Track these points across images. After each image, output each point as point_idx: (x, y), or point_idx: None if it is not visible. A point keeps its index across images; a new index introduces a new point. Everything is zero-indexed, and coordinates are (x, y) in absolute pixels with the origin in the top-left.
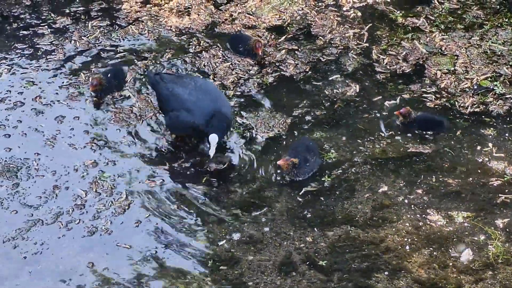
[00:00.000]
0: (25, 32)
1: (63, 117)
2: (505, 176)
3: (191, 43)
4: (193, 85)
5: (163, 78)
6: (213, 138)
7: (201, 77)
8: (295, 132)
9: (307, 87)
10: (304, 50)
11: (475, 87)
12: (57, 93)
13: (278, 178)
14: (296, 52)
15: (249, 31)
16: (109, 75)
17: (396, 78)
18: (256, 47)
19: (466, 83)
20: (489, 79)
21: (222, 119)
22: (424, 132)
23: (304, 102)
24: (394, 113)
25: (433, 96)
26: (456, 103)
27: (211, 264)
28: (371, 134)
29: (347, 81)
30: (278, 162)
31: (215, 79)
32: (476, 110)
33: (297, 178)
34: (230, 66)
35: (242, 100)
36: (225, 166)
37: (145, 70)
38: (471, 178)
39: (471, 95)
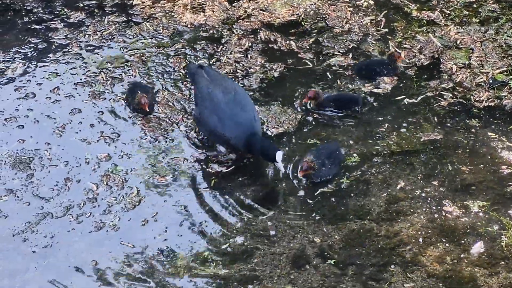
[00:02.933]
0: (37, 26)
1: (79, 110)
2: None
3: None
4: (233, 94)
5: (207, 72)
6: (279, 156)
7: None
8: (304, 129)
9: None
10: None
11: (491, 81)
12: (75, 88)
13: (294, 174)
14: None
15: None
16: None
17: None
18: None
19: (482, 77)
20: (505, 73)
21: (262, 139)
22: (341, 111)
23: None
24: (303, 101)
25: (450, 94)
26: (472, 97)
27: (224, 257)
28: (386, 128)
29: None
30: (300, 173)
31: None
32: (491, 104)
33: (311, 180)
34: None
35: (257, 93)
36: (228, 169)
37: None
38: (485, 169)
39: (486, 89)
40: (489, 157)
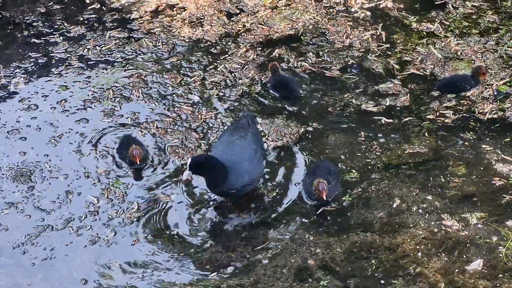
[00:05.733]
0: (37, 40)
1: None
2: (510, 179)
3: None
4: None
5: (252, 123)
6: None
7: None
8: (303, 143)
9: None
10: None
11: (495, 93)
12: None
13: (295, 186)
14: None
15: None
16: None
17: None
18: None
19: (489, 90)
20: (508, 83)
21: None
22: (278, 95)
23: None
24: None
25: (451, 112)
26: (476, 109)
27: (226, 270)
28: (386, 141)
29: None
30: (320, 193)
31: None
32: (494, 116)
33: (321, 201)
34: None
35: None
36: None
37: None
38: (481, 181)
39: (491, 102)
40: (484, 169)
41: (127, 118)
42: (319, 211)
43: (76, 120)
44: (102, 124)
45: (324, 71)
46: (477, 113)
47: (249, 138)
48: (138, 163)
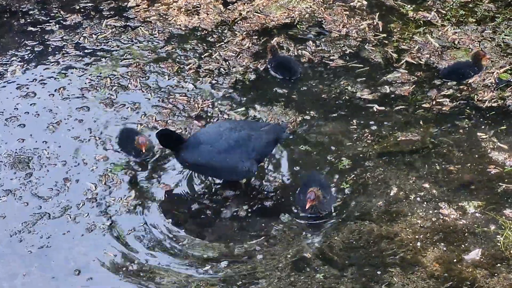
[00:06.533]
0: (33, 29)
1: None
2: (505, 167)
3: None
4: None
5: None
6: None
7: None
8: (299, 131)
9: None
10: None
11: (497, 81)
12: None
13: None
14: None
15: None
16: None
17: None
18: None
19: (490, 78)
20: (508, 71)
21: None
22: (280, 76)
23: (318, 101)
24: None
25: (448, 100)
26: (476, 96)
27: (223, 260)
28: (384, 128)
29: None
30: (308, 204)
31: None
32: (493, 104)
33: (317, 214)
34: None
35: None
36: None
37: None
38: (478, 169)
39: (492, 90)
40: (480, 157)
41: (127, 108)
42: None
43: (77, 108)
44: (102, 112)
45: (328, 61)
46: (476, 100)
47: (241, 135)
48: (144, 151)
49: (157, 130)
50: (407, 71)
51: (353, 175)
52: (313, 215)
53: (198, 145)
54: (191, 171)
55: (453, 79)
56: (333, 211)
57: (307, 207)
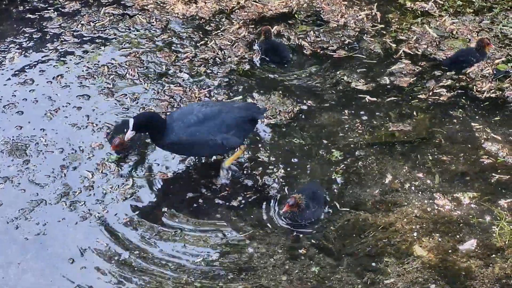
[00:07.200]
0: (32, 16)
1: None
2: (498, 158)
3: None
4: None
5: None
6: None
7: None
8: (296, 123)
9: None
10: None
11: (495, 72)
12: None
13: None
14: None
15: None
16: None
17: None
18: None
19: (488, 69)
20: (507, 62)
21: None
22: (269, 59)
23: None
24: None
25: (445, 90)
26: (474, 87)
27: (219, 249)
28: (381, 118)
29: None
30: (285, 208)
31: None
32: (492, 95)
33: (297, 222)
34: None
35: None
36: None
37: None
38: (472, 160)
39: (490, 80)
40: (473, 147)
41: (126, 97)
42: (294, 234)
43: (78, 95)
44: (101, 101)
45: (331, 53)
46: (475, 91)
47: (211, 110)
48: (114, 151)
49: (137, 114)
50: (410, 62)
51: (343, 166)
52: (290, 222)
53: (171, 123)
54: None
55: (456, 68)
56: (315, 223)
57: (283, 211)
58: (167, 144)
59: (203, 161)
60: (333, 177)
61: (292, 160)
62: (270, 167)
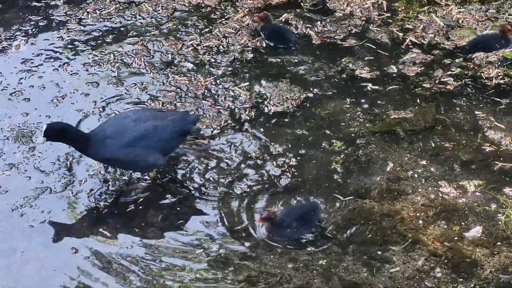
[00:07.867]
0: (37, 4)
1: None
2: (501, 146)
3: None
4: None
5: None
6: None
7: None
8: (303, 110)
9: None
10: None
11: (501, 59)
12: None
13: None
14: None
15: None
16: None
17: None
18: None
19: (494, 57)
20: None
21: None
22: (272, 44)
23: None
24: (255, 19)
25: (453, 79)
26: (482, 74)
27: (223, 237)
28: (386, 105)
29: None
30: (258, 219)
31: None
32: (500, 81)
33: (272, 236)
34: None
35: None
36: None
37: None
38: (475, 147)
39: (496, 67)
40: (476, 135)
41: (134, 87)
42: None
43: (87, 82)
44: (107, 87)
45: (341, 42)
46: (484, 78)
47: (146, 127)
48: None
49: (50, 123)
50: (421, 51)
51: (348, 153)
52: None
53: (104, 140)
54: None
55: (479, 50)
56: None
57: (256, 221)
58: (99, 158)
59: None
60: (333, 167)
61: (299, 151)
62: (279, 158)
